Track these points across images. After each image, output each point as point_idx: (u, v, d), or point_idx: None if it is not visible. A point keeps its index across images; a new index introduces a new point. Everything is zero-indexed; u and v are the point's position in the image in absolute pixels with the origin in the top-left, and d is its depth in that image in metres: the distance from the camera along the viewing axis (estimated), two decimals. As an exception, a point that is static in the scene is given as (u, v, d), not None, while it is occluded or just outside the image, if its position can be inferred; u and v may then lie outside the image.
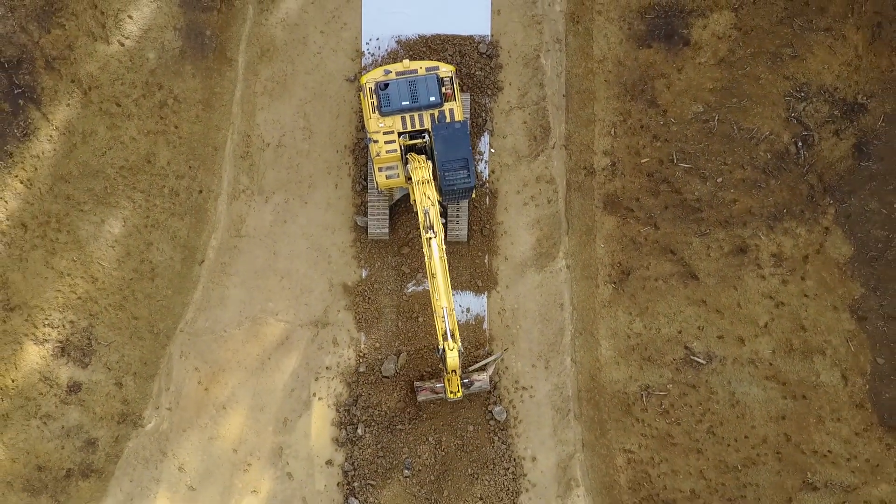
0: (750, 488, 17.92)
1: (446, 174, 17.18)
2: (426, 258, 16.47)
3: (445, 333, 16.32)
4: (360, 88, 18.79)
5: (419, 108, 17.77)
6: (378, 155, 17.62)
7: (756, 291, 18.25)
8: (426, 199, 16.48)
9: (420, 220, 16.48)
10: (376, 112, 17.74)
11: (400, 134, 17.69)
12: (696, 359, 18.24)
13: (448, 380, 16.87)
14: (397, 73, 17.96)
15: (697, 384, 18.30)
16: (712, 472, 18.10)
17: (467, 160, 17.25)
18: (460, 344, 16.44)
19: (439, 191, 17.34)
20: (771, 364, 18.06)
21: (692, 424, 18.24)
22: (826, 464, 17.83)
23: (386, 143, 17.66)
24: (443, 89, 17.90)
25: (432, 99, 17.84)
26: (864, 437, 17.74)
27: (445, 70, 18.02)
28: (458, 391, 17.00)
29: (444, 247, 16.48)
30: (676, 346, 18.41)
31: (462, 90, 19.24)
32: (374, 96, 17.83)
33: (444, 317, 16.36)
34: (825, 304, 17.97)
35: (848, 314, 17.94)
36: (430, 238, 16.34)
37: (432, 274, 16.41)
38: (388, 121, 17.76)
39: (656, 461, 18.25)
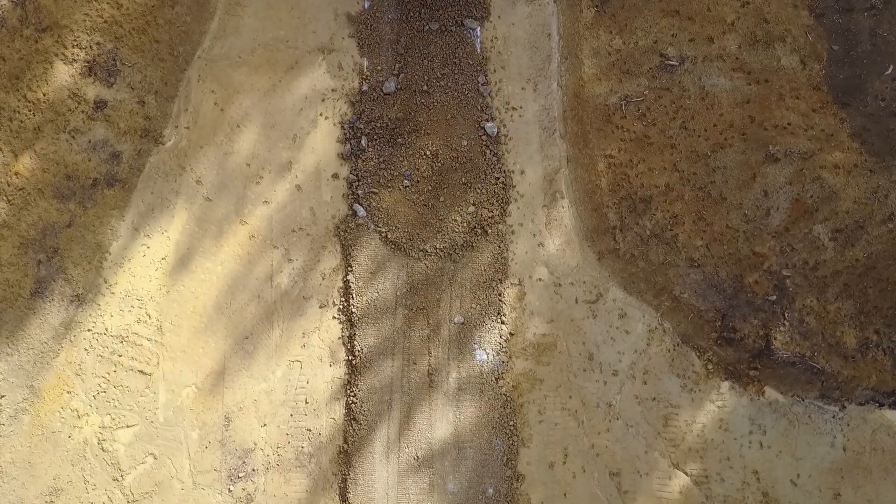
0: (718, 172, 19.05)
1: None
2: None
3: None
4: None
5: None
6: None
7: (724, -5, 19.40)
8: None
9: None
10: None
11: None
12: (670, 62, 19.27)
13: None
14: None
15: (671, 86, 19.37)
16: (684, 163, 19.22)
17: None
18: None
19: None
20: (737, 58, 19.03)
21: (666, 122, 19.30)
22: (786, 135, 18.92)
23: None
24: None
25: None
26: (819, 113, 18.78)
27: None
28: None
29: None
30: (652, 56, 19.45)
31: None
32: None
33: None
34: (786, 1, 19.13)
35: (807, 11, 19.10)
36: None
37: None
38: None
39: (634, 162, 19.37)
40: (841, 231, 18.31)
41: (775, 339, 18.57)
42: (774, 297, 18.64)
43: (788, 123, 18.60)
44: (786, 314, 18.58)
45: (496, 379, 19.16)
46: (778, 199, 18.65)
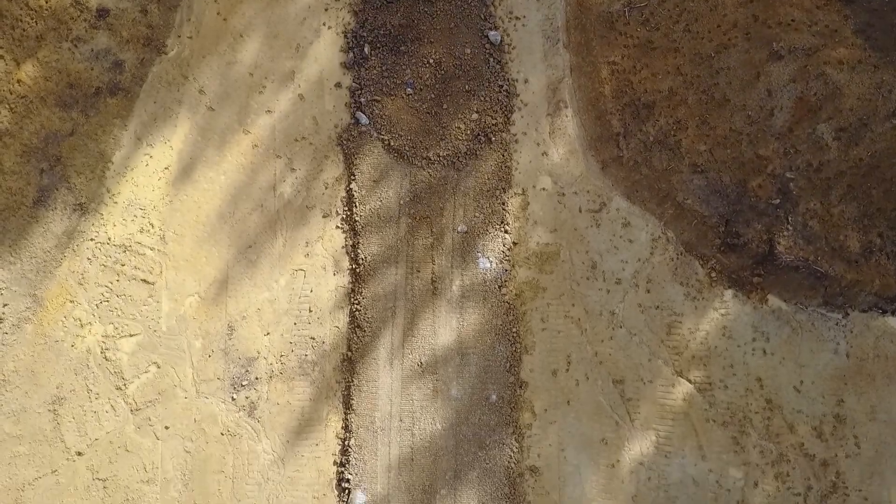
0: (722, 73, 18.97)
1: None
2: None
3: None
4: None
5: None
6: None
7: None
8: None
9: None
10: None
11: None
12: (674, -35, 19.37)
13: None
14: None
15: (675, -11, 19.49)
16: (688, 66, 19.15)
17: None
18: None
19: None
20: (742, -42, 19.22)
21: (670, 26, 19.19)
22: (790, 31, 18.82)
23: None
24: None
25: None
26: (823, 9, 18.60)
27: None
28: None
29: None
30: (656, -40, 19.59)
31: None
32: None
33: None
34: None
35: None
36: None
37: None
38: None
39: (637, 68, 19.28)
40: (844, 130, 18.26)
41: (779, 243, 18.54)
42: (778, 201, 18.61)
43: (792, 20, 18.53)
44: (789, 218, 18.55)
45: (499, 287, 19.14)
46: (781, 98, 18.60)
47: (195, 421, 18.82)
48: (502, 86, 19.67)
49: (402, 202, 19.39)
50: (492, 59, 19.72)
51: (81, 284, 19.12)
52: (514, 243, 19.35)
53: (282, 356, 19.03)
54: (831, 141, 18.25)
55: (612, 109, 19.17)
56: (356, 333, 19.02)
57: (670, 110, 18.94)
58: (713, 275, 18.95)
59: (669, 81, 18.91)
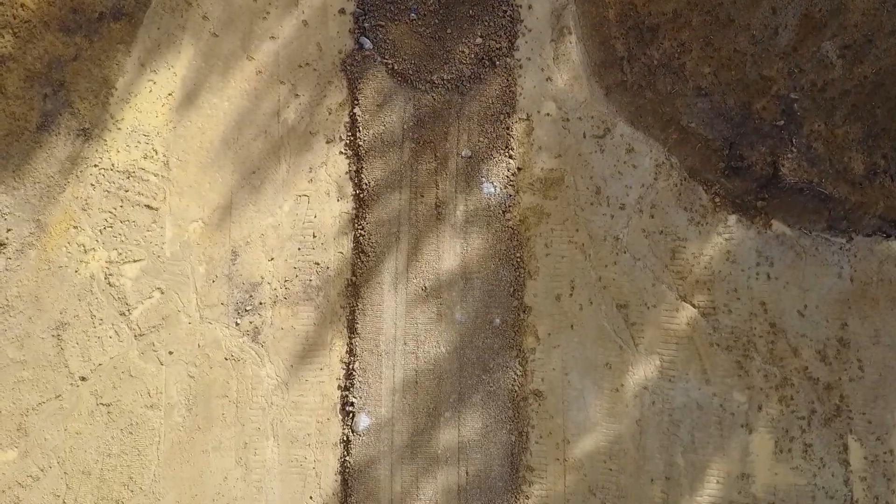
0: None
1: None
2: None
3: None
4: None
5: None
6: None
7: None
8: None
9: None
10: None
11: None
12: None
13: None
14: None
15: (680, -89, 19.43)
16: None
17: None
18: None
19: None
20: None
21: None
22: None
23: None
24: None
25: None
26: None
27: None
28: None
29: None
30: None
31: None
32: None
33: None
34: None
35: None
36: None
37: None
38: None
39: (642, -9, 19.42)
40: (849, 47, 18.23)
41: (783, 165, 18.53)
42: (782, 123, 18.59)
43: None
44: (793, 140, 18.54)
45: (503, 212, 19.13)
46: (786, 15, 18.56)
47: (199, 346, 18.83)
48: (506, 11, 19.63)
49: (405, 127, 19.37)
50: (495, -17, 19.71)
51: (85, 210, 19.11)
52: (519, 168, 19.34)
53: (286, 281, 19.03)
54: (836, 59, 18.22)
55: (615, 34, 19.14)
56: (360, 258, 19.02)
57: (674, 33, 18.91)
58: (717, 200, 18.94)
59: (674, 3, 18.87)
